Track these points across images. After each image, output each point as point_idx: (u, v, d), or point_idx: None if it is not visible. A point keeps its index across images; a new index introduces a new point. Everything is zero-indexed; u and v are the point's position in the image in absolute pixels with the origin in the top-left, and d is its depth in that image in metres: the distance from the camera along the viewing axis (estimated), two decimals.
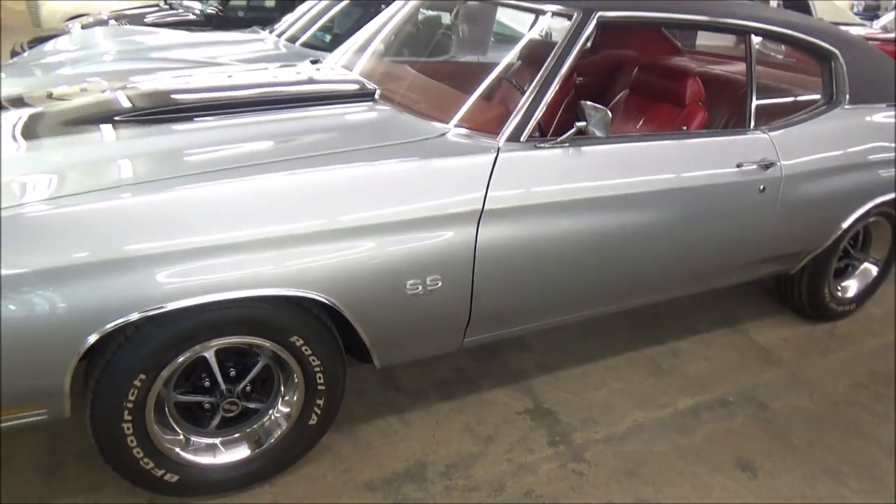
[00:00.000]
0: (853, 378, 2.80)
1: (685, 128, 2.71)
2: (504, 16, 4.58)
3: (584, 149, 2.14)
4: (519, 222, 2.00)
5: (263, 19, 5.92)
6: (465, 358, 2.71)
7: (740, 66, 2.84)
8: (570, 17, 2.21)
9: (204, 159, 1.83)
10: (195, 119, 2.12)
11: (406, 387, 2.52)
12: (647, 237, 2.29)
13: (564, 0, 2.29)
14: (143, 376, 1.67)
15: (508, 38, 4.36)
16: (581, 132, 2.06)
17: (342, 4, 5.03)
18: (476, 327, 2.12)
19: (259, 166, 1.78)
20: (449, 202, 1.90)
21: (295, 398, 1.95)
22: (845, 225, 2.85)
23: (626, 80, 3.22)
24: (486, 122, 2.12)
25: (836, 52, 2.78)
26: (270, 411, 1.98)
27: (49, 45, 4.73)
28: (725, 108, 2.97)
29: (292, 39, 4.82)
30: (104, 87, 2.51)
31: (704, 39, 4.34)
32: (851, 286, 3.25)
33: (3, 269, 1.45)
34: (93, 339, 1.55)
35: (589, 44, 2.22)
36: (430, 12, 4.12)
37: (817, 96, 2.86)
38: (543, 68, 2.12)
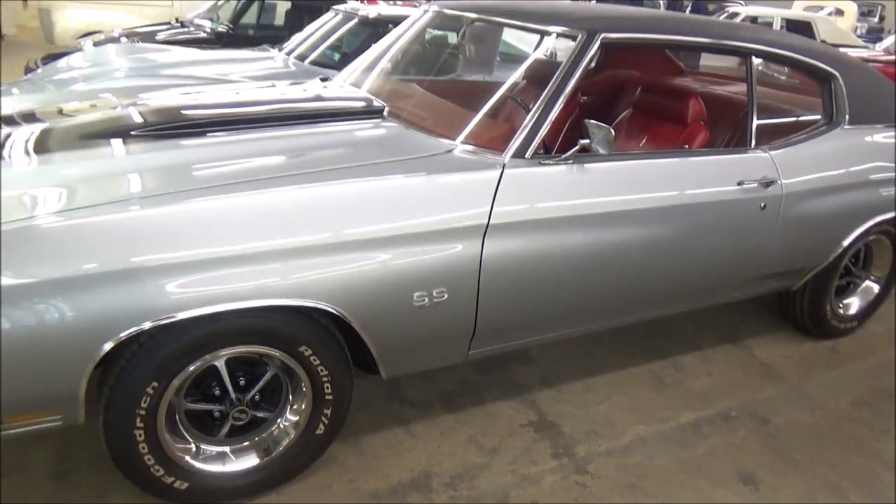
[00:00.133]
0: (855, 394, 2.82)
1: (687, 146, 2.75)
2: (510, 36, 4.64)
3: (587, 166, 2.18)
4: (523, 237, 2.04)
5: (273, 38, 6.03)
6: (470, 370, 2.74)
7: (742, 87, 2.89)
8: (574, 38, 2.26)
9: (213, 174, 1.87)
10: (205, 135, 2.16)
11: (411, 399, 2.55)
12: (649, 253, 2.33)
13: (569, 21, 2.35)
14: (155, 384, 1.71)
15: (514, 58, 4.41)
16: (585, 150, 2.10)
17: (350, 24, 5.12)
18: (481, 339, 2.15)
19: (269, 180, 1.82)
20: (455, 217, 1.93)
21: (303, 407, 1.98)
22: (846, 242, 2.88)
23: (630, 100, 3.27)
24: (492, 139, 2.16)
25: (836, 73, 2.83)
26: (279, 420, 2.01)
27: (62, 62, 4.83)
28: (727, 127, 3.03)
29: (301, 58, 4.90)
30: (115, 104, 2.56)
31: (709, 60, 4.39)
32: (853, 304, 3.28)
33: (19, 278, 1.49)
34: (108, 346, 1.59)
35: (593, 64, 2.26)
36: (438, 32, 4.19)
37: (818, 117, 2.91)
38: (548, 87, 2.17)
